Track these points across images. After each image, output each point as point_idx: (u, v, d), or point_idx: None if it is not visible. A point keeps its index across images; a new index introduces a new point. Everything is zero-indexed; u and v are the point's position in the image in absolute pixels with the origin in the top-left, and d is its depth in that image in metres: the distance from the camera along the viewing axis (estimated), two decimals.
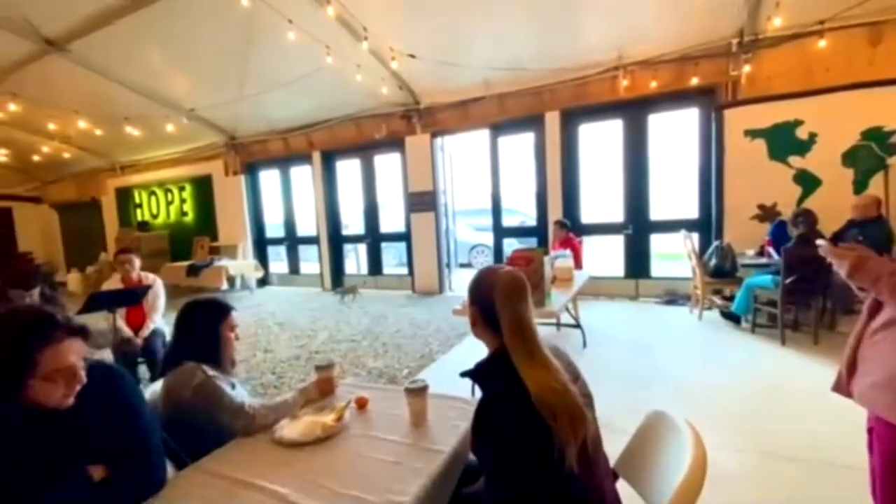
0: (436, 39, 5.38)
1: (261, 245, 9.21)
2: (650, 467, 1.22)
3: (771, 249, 4.53)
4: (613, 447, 1.31)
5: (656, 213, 6.03)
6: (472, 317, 1.22)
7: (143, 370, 3.58)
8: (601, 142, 6.48)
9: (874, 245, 1.54)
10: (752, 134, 4.99)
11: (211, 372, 1.55)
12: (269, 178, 9.06)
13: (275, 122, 7.97)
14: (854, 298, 3.76)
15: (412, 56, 5.46)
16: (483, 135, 6.83)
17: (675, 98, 5.59)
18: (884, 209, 4.22)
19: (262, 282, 9.00)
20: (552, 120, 6.12)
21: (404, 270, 8.01)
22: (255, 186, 9.08)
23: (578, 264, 4.90)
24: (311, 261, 8.84)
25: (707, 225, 5.58)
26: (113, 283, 3.75)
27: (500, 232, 7.08)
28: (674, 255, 6.53)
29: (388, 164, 7.83)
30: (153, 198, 10.11)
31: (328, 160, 8.16)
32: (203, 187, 9.27)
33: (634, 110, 5.82)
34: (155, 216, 10.14)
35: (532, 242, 6.74)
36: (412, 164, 7.20)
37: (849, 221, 4.22)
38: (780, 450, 2.35)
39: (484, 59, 5.63)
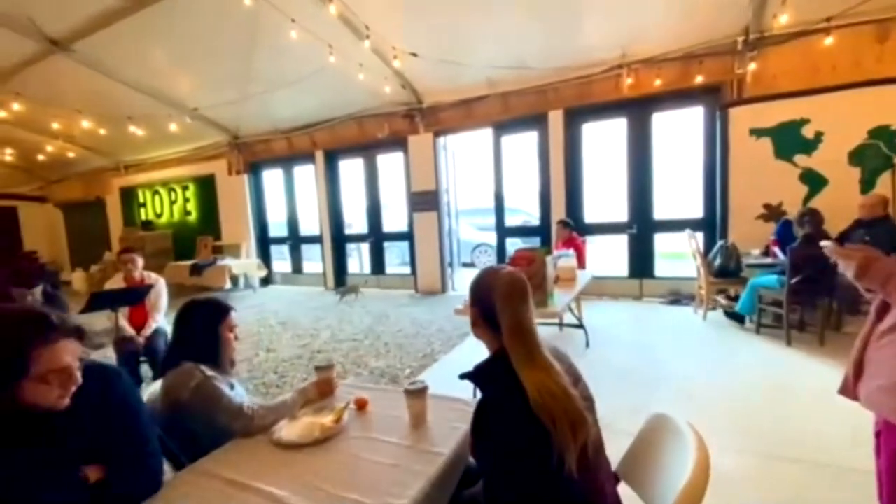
0: (438, 38, 5.36)
1: (264, 244, 9.22)
2: (652, 471, 1.20)
3: (776, 249, 4.49)
4: (616, 448, 1.30)
5: (660, 212, 5.99)
6: (473, 317, 1.22)
7: (145, 369, 3.58)
8: (605, 141, 6.43)
9: (881, 245, 1.51)
10: (758, 133, 4.94)
11: (210, 372, 1.54)
12: (272, 178, 9.07)
13: (278, 122, 7.98)
14: (860, 299, 3.73)
15: (414, 55, 5.44)
16: (486, 134, 6.81)
17: (679, 97, 5.54)
18: (891, 209, 4.18)
19: (266, 281, 9.02)
20: (556, 119, 6.09)
21: (407, 270, 8.00)
22: (258, 186, 9.09)
23: (582, 264, 4.87)
24: (314, 260, 8.85)
25: (712, 224, 5.54)
26: (116, 282, 3.75)
27: (503, 231, 7.06)
28: (678, 255, 6.50)
29: (390, 164, 7.83)
30: (157, 197, 10.14)
31: (331, 159, 8.16)
32: (206, 186, 9.29)
33: (638, 109, 5.78)
34: (159, 215, 10.17)
35: (535, 242, 6.71)
36: (415, 163, 7.19)
37: (856, 221, 4.18)
38: (785, 452, 2.32)
39: (487, 57, 5.60)
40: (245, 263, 8.49)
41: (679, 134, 6.36)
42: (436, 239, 7.21)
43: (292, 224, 8.97)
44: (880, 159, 4.44)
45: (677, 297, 5.63)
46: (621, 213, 6.13)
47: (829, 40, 4.47)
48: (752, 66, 4.95)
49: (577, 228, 5.46)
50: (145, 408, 1.34)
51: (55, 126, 7.62)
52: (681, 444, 1.12)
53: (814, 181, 4.74)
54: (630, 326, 4.86)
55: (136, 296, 3.64)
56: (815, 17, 4.47)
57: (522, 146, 6.77)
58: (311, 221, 8.66)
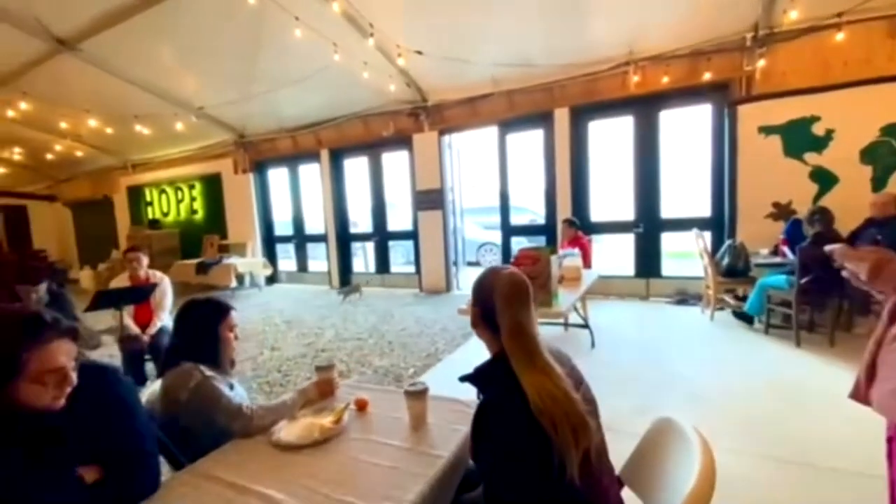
0: (443, 35, 5.33)
1: (269, 243, 9.25)
2: (656, 477, 1.18)
3: (786, 249, 4.42)
4: (620, 450, 1.27)
5: (667, 211, 5.93)
6: (473, 317, 1.21)
7: (150, 368, 3.59)
8: (611, 139, 6.38)
9: (894, 244, 1.47)
10: (767, 130, 4.87)
11: (209, 372, 1.54)
12: (277, 176, 9.09)
13: (283, 121, 7.99)
14: (872, 299, 3.66)
15: (419, 52, 5.42)
16: (491, 132, 6.77)
17: (687, 94, 5.48)
18: None
19: (271, 279, 9.04)
20: (561, 117, 6.04)
21: (412, 269, 7.99)
22: (263, 184, 9.11)
23: (587, 263, 4.83)
24: (320, 259, 8.87)
25: (720, 223, 5.47)
26: (121, 280, 3.78)
27: (509, 230, 7.02)
28: (685, 254, 6.43)
29: (395, 162, 7.81)
30: (164, 196, 10.20)
31: (336, 158, 8.16)
32: (213, 185, 9.33)
33: (645, 106, 5.72)
34: (166, 214, 10.24)
35: (541, 241, 6.67)
36: (420, 161, 7.17)
37: (867, 220, 4.10)
38: (793, 455, 2.27)
39: (492, 55, 5.57)
40: (251, 262, 8.53)
41: (686, 132, 6.30)
42: (440, 238, 7.19)
43: (297, 223, 8.99)
44: (893, 157, 4.37)
45: (684, 297, 5.57)
46: (628, 212, 6.08)
47: (840, 36, 4.40)
48: (761, 63, 4.88)
49: (582, 227, 5.42)
50: (143, 408, 1.33)
51: (63, 125, 7.68)
52: (686, 449, 1.09)
53: (824, 179, 4.67)
54: (636, 326, 4.82)
55: (140, 294, 3.66)
56: (825, 13, 4.40)
57: (528, 144, 6.74)
58: (317, 220, 8.67)
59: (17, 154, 9.75)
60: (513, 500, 1.00)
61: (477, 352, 1.22)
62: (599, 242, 6.45)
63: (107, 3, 4.79)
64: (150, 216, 10.34)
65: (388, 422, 1.51)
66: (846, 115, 4.51)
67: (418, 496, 1.12)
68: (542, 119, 6.24)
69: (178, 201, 10.01)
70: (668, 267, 6.15)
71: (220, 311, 1.68)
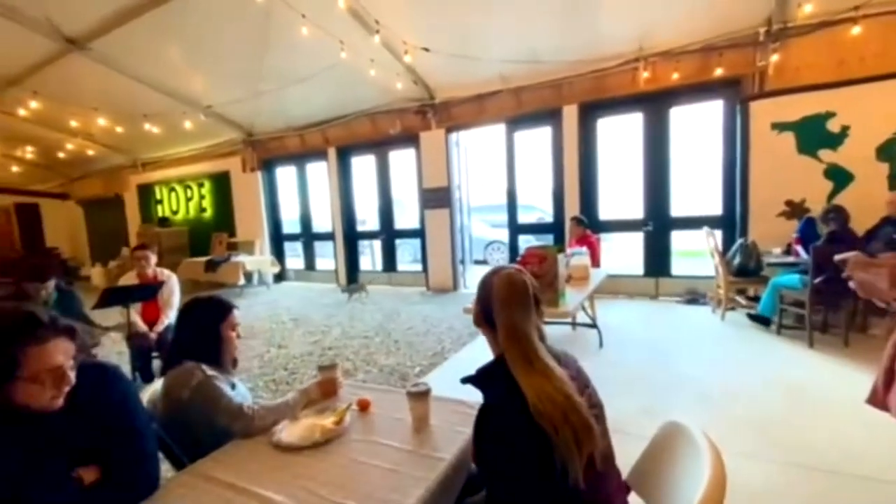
0: (450, 32, 5.29)
1: (277, 241, 9.29)
2: (664, 483, 1.14)
3: (799, 248, 4.33)
4: (628, 452, 1.24)
5: (678, 209, 5.85)
6: (476, 316, 1.20)
7: (157, 365, 3.61)
8: (621, 136, 6.30)
9: None
10: (780, 127, 4.78)
11: (210, 372, 1.52)
12: (285, 175, 9.12)
13: (291, 119, 8.00)
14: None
15: (426, 49, 5.39)
16: (499, 129, 6.72)
17: (698, 90, 5.40)
18: None
19: (279, 277, 9.08)
20: (570, 114, 5.98)
21: (418, 267, 7.97)
22: (271, 182, 9.14)
23: (596, 262, 4.78)
24: (327, 257, 8.88)
25: (731, 222, 5.38)
26: (129, 278, 3.80)
27: (516, 228, 6.97)
28: (696, 253, 6.34)
29: (402, 160, 7.80)
30: (173, 194, 10.28)
31: (343, 156, 8.16)
32: (221, 183, 9.39)
33: (655, 103, 5.64)
34: (175, 212, 10.31)
35: (549, 239, 6.63)
36: (426, 159, 7.14)
37: (883, 219, 4.00)
38: (805, 459, 2.22)
39: (499, 51, 5.52)
40: (259, 260, 8.56)
41: (697, 129, 6.20)
42: (447, 236, 7.17)
43: (305, 221, 9.01)
44: None
45: (695, 297, 5.49)
46: (637, 210, 6.00)
47: (856, 30, 4.29)
48: (775, 58, 4.78)
49: (591, 226, 5.37)
50: (143, 408, 1.32)
51: (73, 124, 7.76)
52: (696, 455, 1.06)
53: (839, 177, 4.56)
54: (645, 326, 4.75)
55: (148, 292, 3.68)
56: (841, 7, 4.29)
57: (536, 142, 6.67)
58: (324, 218, 8.69)
59: (29, 153, 9.87)
60: (514, 503, 0.97)
61: (483, 351, 1.20)
62: (608, 241, 6.38)
63: (116, 3, 4.82)
64: (160, 214, 10.43)
65: (391, 423, 1.49)
66: (862, 112, 4.41)
67: (418, 500, 1.09)
68: (551, 116, 6.18)
69: (188, 199, 10.08)
70: (678, 266, 6.08)
71: (221, 311, 1.67)
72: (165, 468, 1.40)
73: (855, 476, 2.08)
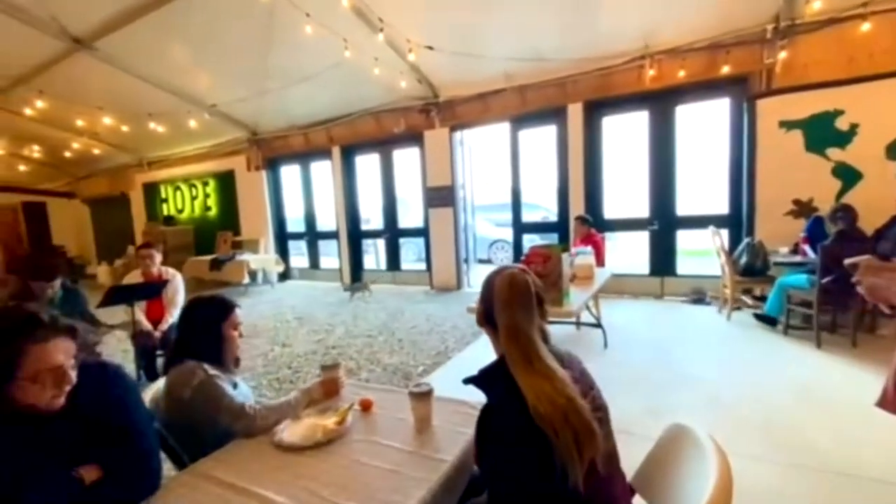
0: (454, 31, 5.27)
1: (282, 240, 9.30)
2: (670, 486, 1.13)
3: (806, 247, 4.28)
4: (633, 453, 1.23)
5: (683, 208, 5.81)
6: (478, 315, 1.18)
7: (161, 363, 3.62)
8: (626, 135, 6.27)
9: None
10: (788, 125, 4.73)
11: (212, 371, 1.52)
12: (289, 173, 9.13)
13: (295, 118, 8.01)
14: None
15: (430, 48, 5.37)
16: (503, 128, 6.70)
17: (704, 88, 5.35)
18: None
19: (283, 276, 9.09)
20: (575, 112, 5.94)
21: (422, 266, 7.96)
22: (276, 181, 9.16)
23: (600, 261, 4.75)
24: (331, 255, 8.89)
25: (737, 221, 5.33)
26: (134, 276, 3.82)
27: (520, 227, 6.95)
28: (702, 252, 6.30)
29: (406, 159, 7.78)
30: (178, 193, 10.32)
31: (347, 155, 8.16)
32: (226, 182, 9.41)
33: (661, 101, 5.60)
34: (180, 211, 10.36)
35: (553, 238, 6.60)
36: (431, 158, 7.13)
37: (892, 218, 3.94)
38: (812, 461, 2.19)
39: (504, 50, 5.49)
40: (263, 258, 8.59)
41: (704, 127, 6.15)
42: (451, 235, 7.15)
43: (309, 220, 9.03)
44: None
45: (700, 296, 5.45)
46: (642, 209, 5.96)
47: (865, 26, 4.23)
48: (783, 55, 4.73)
49: (596, 225, 5.34)
50: (144, 407, 1.31)
51: (80, 123, 7.81)
52: (701, 458, 1.04)
53: (847, 175, 4.51)
54: (650, 326, 4.72)
55: (152, 290, 3.70)
56: (850, 3, 4.24)
57: (540, 140, 6.64)
58: (328, 217, 8.70)
59: (36, 152, 9.94)
60: None
61: (487, 351, 1.19)
62: (613, 240, 6.36)
63: (122, 2, 4.84)
64: (166, 213, 10.47)
65: (393, 423, 1.48)
66: (872, 109, 4.35)
67: (420, 502, 1.09)
68: (555, 114, 6.15)
69: (193, 198, 10.12)
70: (684, 265, 6.03)
71: (223, 310, 1.66)
72: (167, 467, 1.40)
73: (862, 478, 2.05)
